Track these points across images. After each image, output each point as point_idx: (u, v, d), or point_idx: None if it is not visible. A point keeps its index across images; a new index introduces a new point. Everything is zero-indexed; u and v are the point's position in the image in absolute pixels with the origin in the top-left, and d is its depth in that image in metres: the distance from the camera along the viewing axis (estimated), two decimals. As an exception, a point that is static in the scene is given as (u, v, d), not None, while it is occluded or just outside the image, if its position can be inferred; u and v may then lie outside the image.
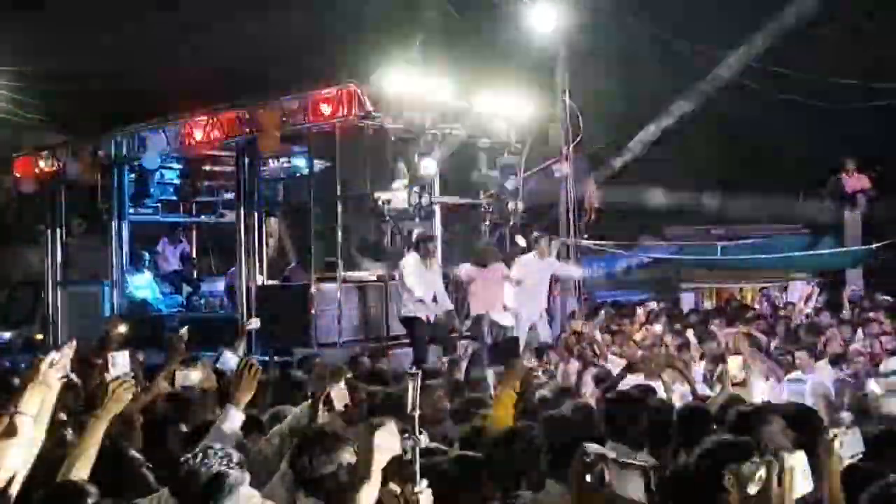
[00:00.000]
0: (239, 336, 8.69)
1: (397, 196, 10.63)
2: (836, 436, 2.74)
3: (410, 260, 10.30)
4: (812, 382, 7.73)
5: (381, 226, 11.41)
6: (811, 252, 15.55)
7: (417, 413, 2.72)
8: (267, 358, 9.02)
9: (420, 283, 10.10)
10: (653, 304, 12.80)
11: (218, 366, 6.21)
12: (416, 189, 10.66)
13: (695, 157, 18.17)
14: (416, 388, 2.61)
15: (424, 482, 2.90)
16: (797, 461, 2.20)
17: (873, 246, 14.92)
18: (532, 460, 3.96)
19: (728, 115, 16.92)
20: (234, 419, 4.00)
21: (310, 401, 4.39)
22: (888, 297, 13.07)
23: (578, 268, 13.62)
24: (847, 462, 2.78)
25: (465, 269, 10.91)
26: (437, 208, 11.73)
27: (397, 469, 2.83)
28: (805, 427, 4.17)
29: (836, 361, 8.50)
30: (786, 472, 1.98)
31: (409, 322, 10.19)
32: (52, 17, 17.01)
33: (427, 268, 10.31)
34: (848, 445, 2.69)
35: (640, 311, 12.15)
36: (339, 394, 4.29)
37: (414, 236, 10.84)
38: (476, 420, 5.01)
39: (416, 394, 2.61)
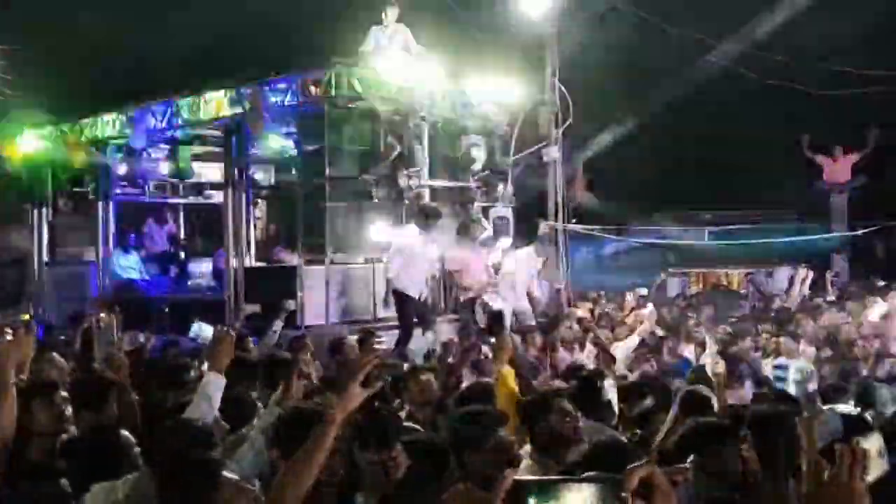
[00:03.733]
0: (280, 313, 8.73)
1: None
2: (811, 417, 2.77)
3: (411, 231, 10.17)
4: (795, 367, 7.81)
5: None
6: (798, 237, 15.62)
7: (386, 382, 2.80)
8: (256, 339, 9.00)
9: (418, 258, 10.04)
10: (643, 290, 12.82)
11: (191, 335, 6.22)
12: (405, 172, 10.63)
13: (682, 142, 18.21)
14: (386, 359, 2.69)
15: (399, 447, 2.98)
16: (872, 443, 2.21)
17: (859, 232, 15.01)
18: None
19: (716, 100, 16.95)
20: (215, 384, 4.05)
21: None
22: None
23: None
24: (823, 444, 2.81)
25: (452, 251, 10.89)
26: (426, 191, 11.71)
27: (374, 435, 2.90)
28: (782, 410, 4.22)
29: (821, 344, 8.57)
30: (858, 456, 1.97)
31: (400, 297, 10.02)
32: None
33: (427, 241, 10.23)
34: (825, 427, 2.72)
35: (629, 296, 12.20)
36: (306, 363, 4.37)
37: (421, 207, 10.72)
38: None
39: (388, 363, 2.68)
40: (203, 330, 6.13)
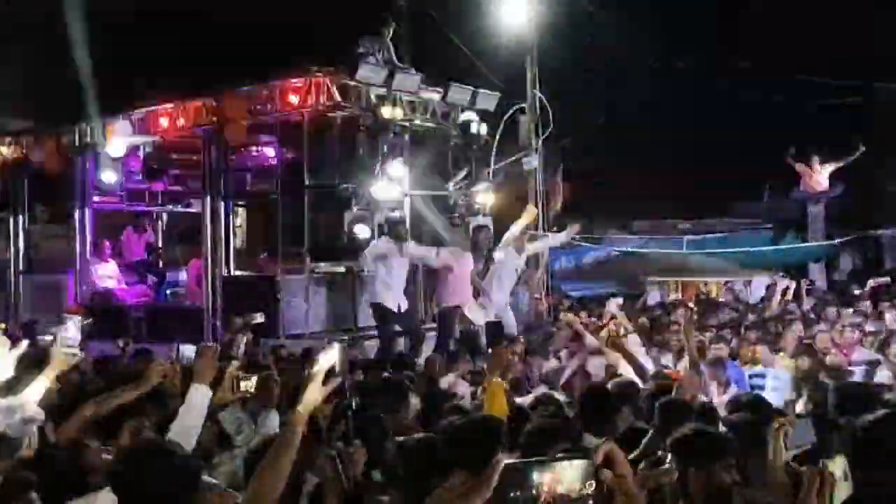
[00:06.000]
0: (243, 330, 8.50)
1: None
2: (781, 425, 2.76)
3: (381, 244, 10.16)
4: (772, 375, 7.87)
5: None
6: (775, 247, 15.77)
7: (348, 378, 2.91)
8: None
9: (390, 268, 10.00)
10: (619, 300, 12.80)
11: (179, 357, 6.16)
12: (385, 181, 10.61)
13: (662, 153, 18.33)
14: (344, 355, 2.82)
15: (358, 442, 3.06)
16: (837, 465, 2.24)
17: (836, 241, 15.15)
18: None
19: (694, 110, 17.09)
20: (202, 396, 4.08)
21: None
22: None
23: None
24: (793, 452, 2.82)
25: (442, 256, 10.78)
26: (406, 200, 11.71)
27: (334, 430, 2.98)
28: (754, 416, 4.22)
29: (798, 354, 8.60)
30: (827, 478, 2.03)
31: (377, 309, 10.01)
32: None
33: (399, 253, 10.17)
34: (796, 435, 2.73)
35: (608, 305, 12.18)
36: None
37: (387, 220, 10.70)
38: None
39: (346, 360, 2.83)
40: (186, 351, 6.08)
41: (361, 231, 10.26)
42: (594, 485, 1.81)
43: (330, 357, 2.87)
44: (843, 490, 2.27)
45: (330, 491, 3.22)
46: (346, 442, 3.21)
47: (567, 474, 1.80)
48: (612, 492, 1.82)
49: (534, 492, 1.79)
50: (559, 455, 1.90)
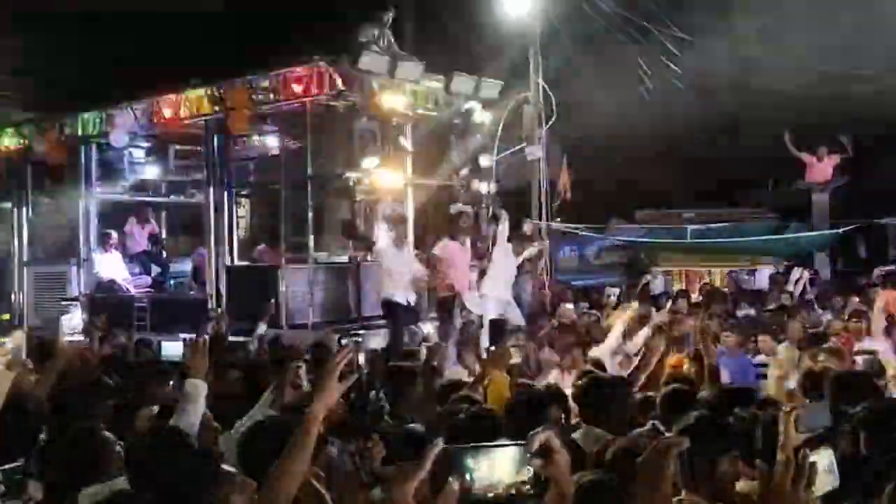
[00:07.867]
0: (264, 315, 8.74)
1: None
2: (792, 409, 2.73)
3: (384, 241, 10.17)
4: (775, 364, 7.85)
5: (353, 206, 11.30)
6: (779, 236, 15.70)
7: (364, 374, 2.88)
8: (241, 339, 8.98)
9: (396, 264, 10.01)
10: (615, 290, 12.76)
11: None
12: (388, 170, 10.58)
13: (664, 142, 18.27)
14: (357, 352, 2.81)
15: (377, 437, 3.04)
16: (821, 457, 2.21)
17: (840, 230, 15.09)
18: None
19: (698, 98, 16.99)
20: (198, 388, 4.09)
21: (272, 387, 4.54)
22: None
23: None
24: (805, 436, 2.77)
25: (442, 245, 10.74)
26: (409, 189, 11.69)
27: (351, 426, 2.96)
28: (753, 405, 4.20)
29: (801, 344, 8.57)
30: (803, 470, 1.98)
31: (388, 306, 9.94)
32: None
33: (399, 248, 10.18)
34: (808, 419, 2.69)
35: (612, 296, 12.16)
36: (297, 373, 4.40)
37: (385, 216, 10.69)
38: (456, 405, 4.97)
39: (358, 357, 2.81)
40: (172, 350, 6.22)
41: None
42: (530, 472, 1.83)
43: (347, 354, 2.84)
44: (825, 483, 2.25)
45: (349, 485, 3.20)
46: (364, 436, 3.18)
47: (502, 461, 1.81)
48: (546, 479, 1.87)
49: (468, 475, 1.80)
50: (495, 443, 1.93)
